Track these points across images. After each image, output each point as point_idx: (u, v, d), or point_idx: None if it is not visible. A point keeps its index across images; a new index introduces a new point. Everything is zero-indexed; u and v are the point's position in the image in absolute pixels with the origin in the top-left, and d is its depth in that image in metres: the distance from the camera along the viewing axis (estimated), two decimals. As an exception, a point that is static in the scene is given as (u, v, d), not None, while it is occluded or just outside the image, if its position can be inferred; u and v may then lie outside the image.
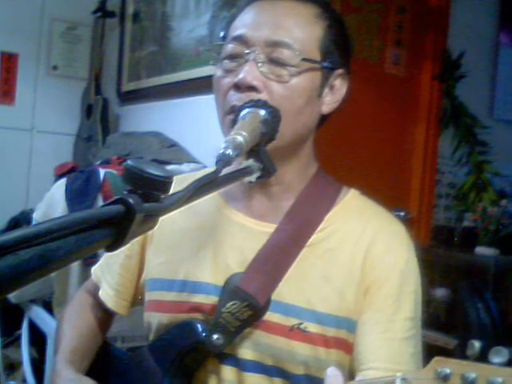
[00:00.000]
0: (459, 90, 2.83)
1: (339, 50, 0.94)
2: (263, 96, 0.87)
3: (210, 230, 0.96)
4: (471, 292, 2.24)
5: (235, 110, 0.86)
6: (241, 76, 0.87)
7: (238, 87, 0.88)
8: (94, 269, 1.10)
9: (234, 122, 0.82)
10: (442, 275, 2.39)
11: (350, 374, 0.89)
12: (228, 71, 0.91)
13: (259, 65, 0.87)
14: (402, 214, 1.99)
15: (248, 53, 0.88)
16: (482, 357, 0.59)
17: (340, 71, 0.94)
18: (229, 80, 0.90)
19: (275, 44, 0.88)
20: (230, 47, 0.91)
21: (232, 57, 0.91)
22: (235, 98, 0.88)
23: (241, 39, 0.90)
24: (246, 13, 0.93)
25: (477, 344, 0.60)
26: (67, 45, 3.11)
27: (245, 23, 0.92)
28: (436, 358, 0.62)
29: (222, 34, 0.96)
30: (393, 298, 0.89)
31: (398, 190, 2.69)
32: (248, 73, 0.87)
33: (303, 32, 0.90)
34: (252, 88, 0.87)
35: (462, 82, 2.82)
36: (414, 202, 2.79)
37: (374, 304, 0.89)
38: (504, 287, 2.28)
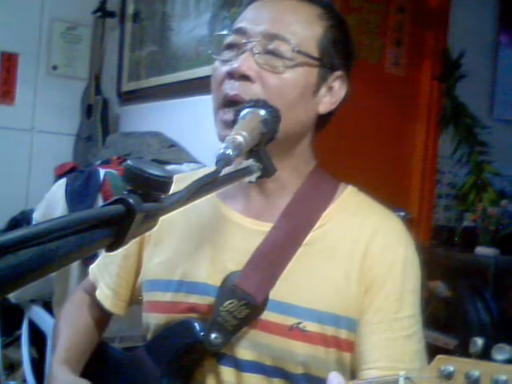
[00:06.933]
0: (459, 90, 2.84)
1: (339, 52, 0.94)
2: (256, 87, 0.87)
3: (207, 230, 0.96)
4: (471, 292, 2.23)
5: (227, 102, 0.88)
6: (235, 65, 0.88)
7: (232, 76, 0.88)
8: (92, 268, 1.10)
9: (232, 123, 0.82)
10: (442, 275, 2.39)
11: (352, 372, 0.89)
12: (225, 61, 0.92)
13: (255, 56, 0.88)
14: (402, 214, 1.99)
15: (245, 43, 0.89)
16: (485, 354, 0.59)
17: (339, 73, 0.94)
18: (225, 69, 0.91)
19: (272, 36, 0.89)
20: (230, 38, 0.93)
21: (230, 46, 0.92)
22: (228, 87, 0.89)
23: (240, 31, 0.91)
24: (249, 9, 0.95)
25: (479, 341, 0.60)
26: (67, 45, 3.11)
27: (246, 18, 0.93)
28: (439, 356, 0.62)
29: (225, 31, 0.96)
30: (395, 297, 0.89)
31: (398, 190, 2.69)
32: (243, 62, 0.88)
33: (302, 28, 0.91)
34: (246, 77, 0.87)
35: (462, 81, 2.83)
36: (414, 201, 2.79)
37: (376, 303, 0.88)
38: (504, 287, 2.28)
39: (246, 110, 0.82)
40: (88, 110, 3.01)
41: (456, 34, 2.85)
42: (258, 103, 0.83)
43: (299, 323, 0.87)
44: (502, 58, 3.19)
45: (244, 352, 0.89)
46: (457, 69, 2.81)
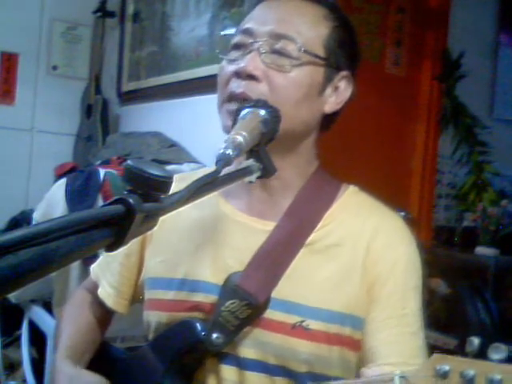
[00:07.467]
0: (459, 90, 2.83)
1: (344, 52, 0.95)
2: (262, 86, 0.88)
3: (210, 229, 0.96)
4: (471, 292, 2.24)
5: (233, 98, 0.89)
6: (242, 64, 0.89)
7: (239, 75, 0.89)
8: (93, 267, 1.10)
9: (232, 113, 0.83)
10: (442, 275, 2.39)
11: (357, 370, 0.89)
12: (232, 60, 0.93)
13: (262, 55, 0.89)
14: (402, 214, 1.99)
15: (252, 43, 0.90)
16: (481, 354, 0.59)
17: (345, 73, 0.95)
18: (232, 68, 0.91)
19: (279, 36, 0.90)
20: (237, 38, 0.94)
21: (237, 46, 0.93)
22: (234, 86, 0.90)
23: (247, 32, 0.92)
24: (255, 10, 0.96)
25: (476, 341, 0.60)
26: (67, 45, 3.11)
27: (252, 18, 0.94)
28: (435, 355, 0.62)
29: (232, 31, 0.97)
30: (399, 294, 0.90)
31: (398, 190, 2.68)
32: (250, 62, 0.89)
33: (308, 29, 0.91)
34: (252, 77, 0.88)
35: (462, 82, 2.82)
36: (413, 201, 2.79)
37: (381, 300, 0.89)
38: (504, 287, 2.28)
39: (245, 110, 0.82)
40: (88, 110, 3.01)
41: (456, 34, 2.84)
42: (258, 103, 0.84)
43: (302, 321, 0.87)
44: (502, 58, 3.19)
45: (247, 351, 0.89)
46: (457, 69, 2.81)
